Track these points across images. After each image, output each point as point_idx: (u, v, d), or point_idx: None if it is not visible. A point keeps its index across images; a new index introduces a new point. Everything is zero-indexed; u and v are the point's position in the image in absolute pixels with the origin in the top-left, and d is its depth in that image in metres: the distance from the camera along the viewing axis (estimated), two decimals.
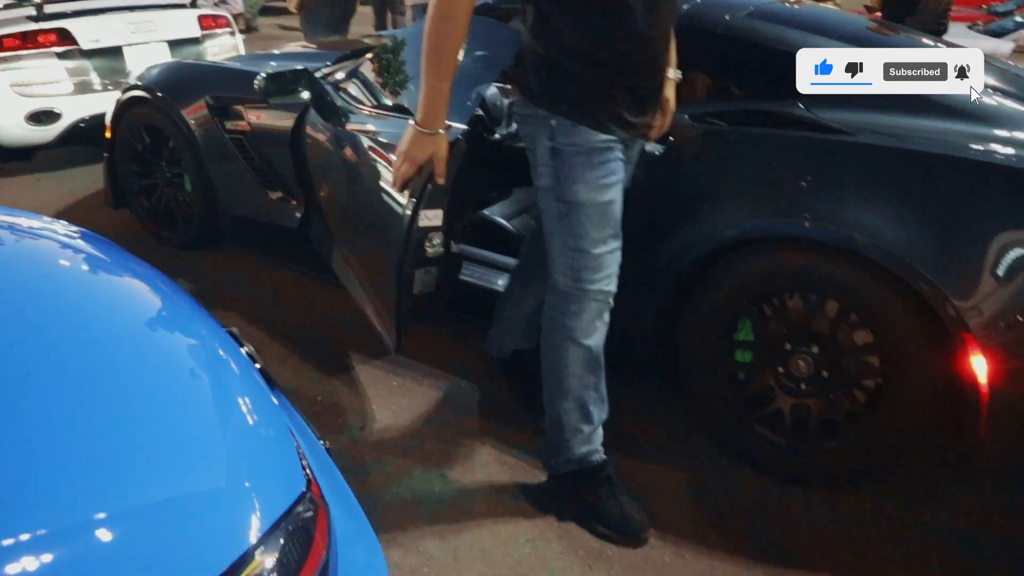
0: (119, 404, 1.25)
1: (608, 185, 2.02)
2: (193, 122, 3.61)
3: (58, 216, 4.56)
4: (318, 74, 3.12)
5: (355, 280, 2.88)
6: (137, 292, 1.79)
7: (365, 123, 2.78)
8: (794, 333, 2.34)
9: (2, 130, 5.10)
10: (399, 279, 2.41)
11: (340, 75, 3.18)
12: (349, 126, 2.83)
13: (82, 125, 5.21)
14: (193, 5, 5.77)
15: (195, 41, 5.68)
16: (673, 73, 2.24)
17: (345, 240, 2.99)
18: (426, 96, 1.93)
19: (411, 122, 1.99)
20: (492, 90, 3.59)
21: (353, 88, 3.01)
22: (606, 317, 2.14)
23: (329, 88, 2.99)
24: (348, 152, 2.84)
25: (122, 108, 3.95)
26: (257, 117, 3.41)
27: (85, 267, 1.93)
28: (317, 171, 3.18)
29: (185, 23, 5.64)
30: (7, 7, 5.05)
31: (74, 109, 5.14)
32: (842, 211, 2.15)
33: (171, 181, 3.89)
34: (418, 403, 2.86)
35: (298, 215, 3.38)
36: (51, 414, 1.19)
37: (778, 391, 2.40)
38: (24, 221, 1.98)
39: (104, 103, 4.58)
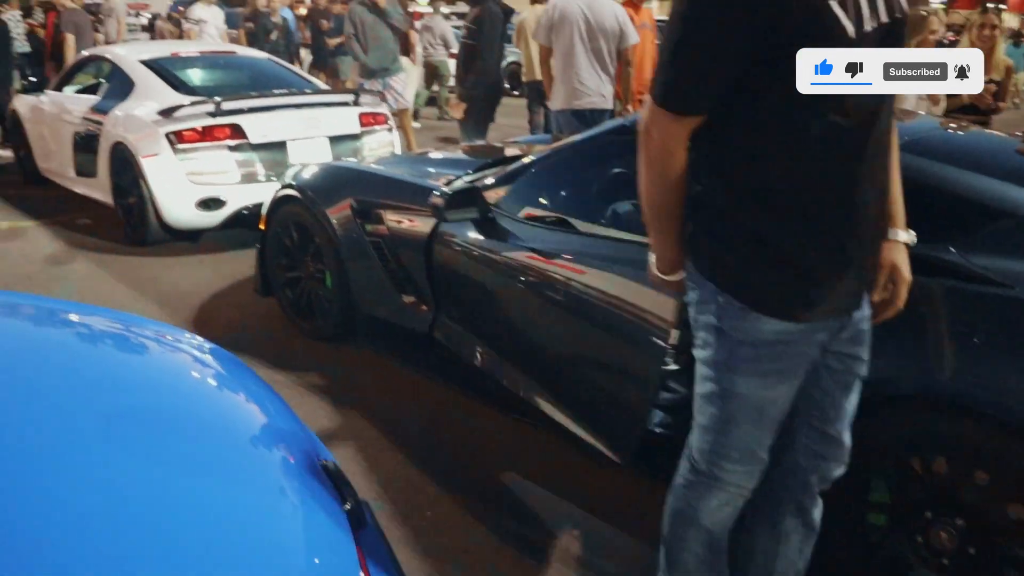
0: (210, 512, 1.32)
1: (777, 382, 1.68)
2: (336, 222, 3.75)
3: (214, 297, 4.93)
4: (460, 182, 3.22)
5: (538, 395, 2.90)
6: (248, 414, 1.82)
7: (553, 242, 2.82)
8: (936, 500, 2.11)
9: (174, 214, 5.50)
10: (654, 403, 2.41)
11: (488, 181, 3.25)
12: (522, 244, 2.88)
13: (245, 212, 5.54)
14: (356, 103, 6.09)
15: (354, 137, 5.98)
16: (905, 235, 1.82)
17: (521, 356, 3.00)
18: (656, 247, 1.81)
19: (651, 261, 1.85)
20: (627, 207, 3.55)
21: (512, 199, 3.10)
22: (739, 504, 1.85)
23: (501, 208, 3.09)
24: (529, 270, 2.87)
25: (275, 204, 4.17)
26: (395, 222, 3.51)
27: (210, 382, 2.00)
28: (466, 282, 3.25)
29: (346, 120, 5.96)
30: (194, 104, 5.48)
31: (239, 197, 5.49)
32: (998, 374, 1.94)
33: (314, 276, 4.04)
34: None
35: (428, 320, 3.42)
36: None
37: (914, 562, 2.16)
38: (167, 334, 2.08)
39: (265, 193, 4.86)
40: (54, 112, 6.94)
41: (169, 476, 1.36)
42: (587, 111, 5.57)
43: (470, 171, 3.65)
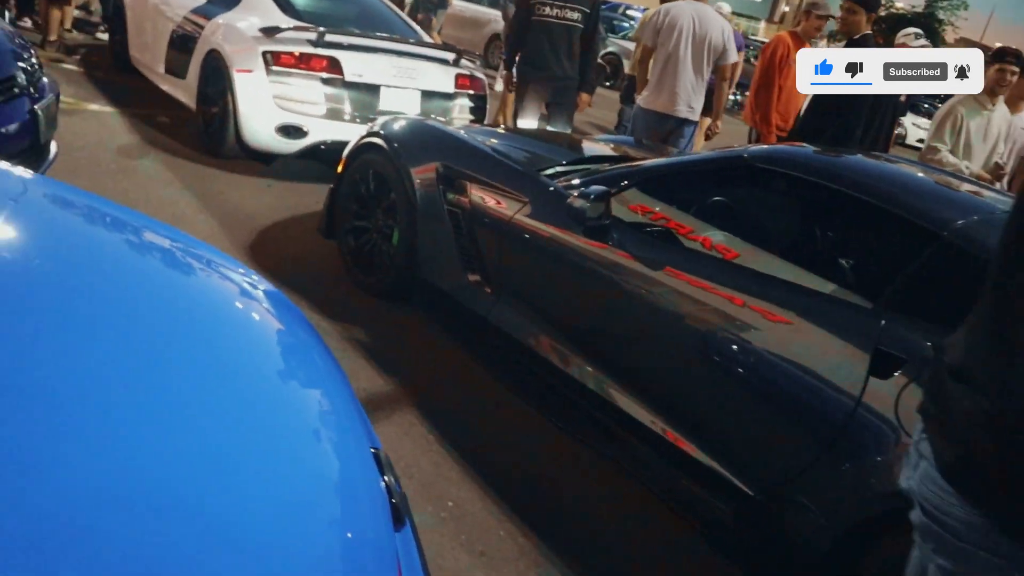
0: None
1: None
2: (418, 182, 3.65)
3: (274, 225, 4.87)
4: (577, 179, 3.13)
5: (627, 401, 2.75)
6: (306, 391, 1.70)
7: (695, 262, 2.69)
8: None
9: (254, 134, 5.43)
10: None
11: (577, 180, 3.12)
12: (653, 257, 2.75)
13: (323, 147, 5.47)
14: (456, 63, 5.97)
15: (447, 96, 5.87)
16: None
17: (625, 373, 2.83)
18: None
19: None
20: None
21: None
22: None
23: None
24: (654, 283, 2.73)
25: (358, 149, 4.08)
26: (479, 197, 3.39)
27: (255, 317, 1.89)
28: (549, 278, 3.15)
29: (443, 78, 5.84)
30: (296, 28, 5.40)
31: (320, 130, 5.40)
32: None
33: (382, 230, 3.95)
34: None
35: (488, 305, 3.31)
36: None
37: None
38: (227, 267, 1.99)
39: (348, 132, 4.78)
40: (157, 5, 6.90)
41: (215, 450, 1.24)
42: (672, 118, 5.53)
43: (563, 162, 3.52)
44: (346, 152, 4.19)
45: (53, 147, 4.54)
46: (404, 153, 3.76)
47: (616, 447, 2.82)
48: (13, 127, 3.84)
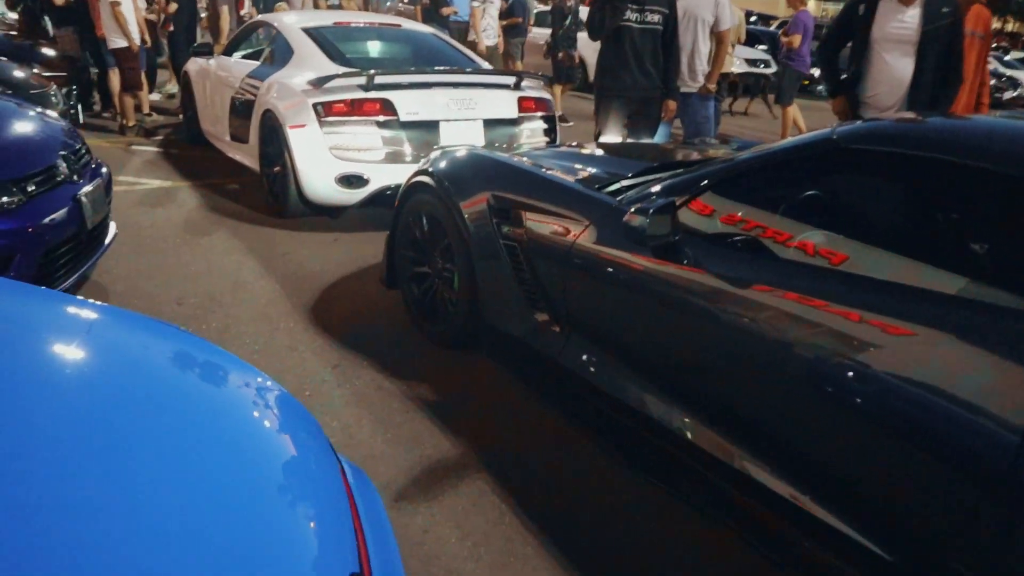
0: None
1: None
2: (469, 218, 3.28)
3: (340, 281, 4.60)
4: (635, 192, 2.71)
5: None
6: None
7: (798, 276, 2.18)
8: None
9: (314, 188, 5.22)
10: None
11: (658, 188, 2.68)
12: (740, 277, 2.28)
13: (388, 193, 5.19)
14: (517, 87, 5.62)
15: (511, 123, 5.53)
16: None
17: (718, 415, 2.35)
18: None
19: None
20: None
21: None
22: None
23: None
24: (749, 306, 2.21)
25: (408, 191, 3.76)
26: (535, 225, 2.99)
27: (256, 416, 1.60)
28: (619, 308, 2.72)
29: (505, 104, 5.50)
30: (345, 75, 5.18)
31: (382, 176, 5.14)
32: None
33: (443, 275, 3.60)
34: None
35: (559, 346, 2.89)
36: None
37: None
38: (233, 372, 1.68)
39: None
40: (218, 75, 6.87)
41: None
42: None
43: (628, 175, 3.09)
44: (398, 195, 3.87)
45: (112, 229, 4.42)
46: (452, 188, 3.41)
47: (720, 506, 2.33)
48: (57, 216, 3.70)
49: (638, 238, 2.35)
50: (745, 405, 2.25)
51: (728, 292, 2.26)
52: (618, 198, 2.82)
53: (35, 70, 7.61)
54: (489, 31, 10.13)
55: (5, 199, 3.48)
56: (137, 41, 8.43)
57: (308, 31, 5.99)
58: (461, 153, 3.63)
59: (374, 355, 3.58)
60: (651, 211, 2.31)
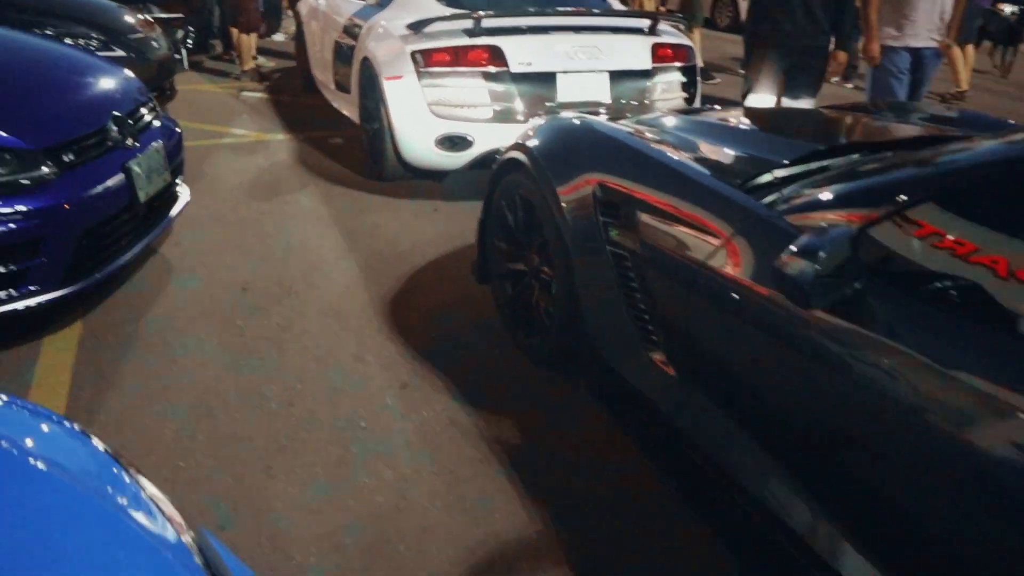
0: None
1: None
2: (569, 209, 2.53)
3: (431, 264, 3.96)
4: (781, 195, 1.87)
5: None
6: None
7: None
8: None
9: (411, 149, 4.57)
10: None
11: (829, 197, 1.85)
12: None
13: (497, 156, 4.48)
14: (652, 32, 4.74)
15: (643, 75, 4.66)
16: None
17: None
18: None
19: None
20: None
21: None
22: None
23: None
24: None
25: (501, 168, 3.03)
26: (653, 231, 2.21)
27: None
28: (763, 362, 1.91)
29: (635, 52, 4.64)
30: (448, 18, 4.46)
31: (489, 137, 4.42)
32: None
33: (539, 275, 2.88)
34: None
35: (673, 397, 2.13)
36: None
37: None
38: None
39: None
40: (326, 15, 6.28)
41: None
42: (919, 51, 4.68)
43: (785, 162, 2.24)
44: (492, 173, 3.16)
45: (183, 195, 3.92)
46: (549, 169, 2.66)
47: None
48: (100, 189, 3.20)
49: (800, 295, 1.54)
50: (961, 537, 1.44)
51: (942, 388, 1.43)
52: (768, 199, 2.00)
53: (147, 14, 7.27)
54: None
55: (33, 172, 2.98)
56: None
57: None
58: (561, 123, 2.85)
59: (452, 373, 2.92)
60: (821, 252, 1.50)
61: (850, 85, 8.47)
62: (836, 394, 1.65)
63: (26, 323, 3.10)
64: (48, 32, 5.42)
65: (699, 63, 4.96)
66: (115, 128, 3.38)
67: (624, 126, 2.71)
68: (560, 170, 2.61)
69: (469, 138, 4.43)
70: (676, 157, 2.34)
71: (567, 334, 2.69)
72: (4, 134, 2.97)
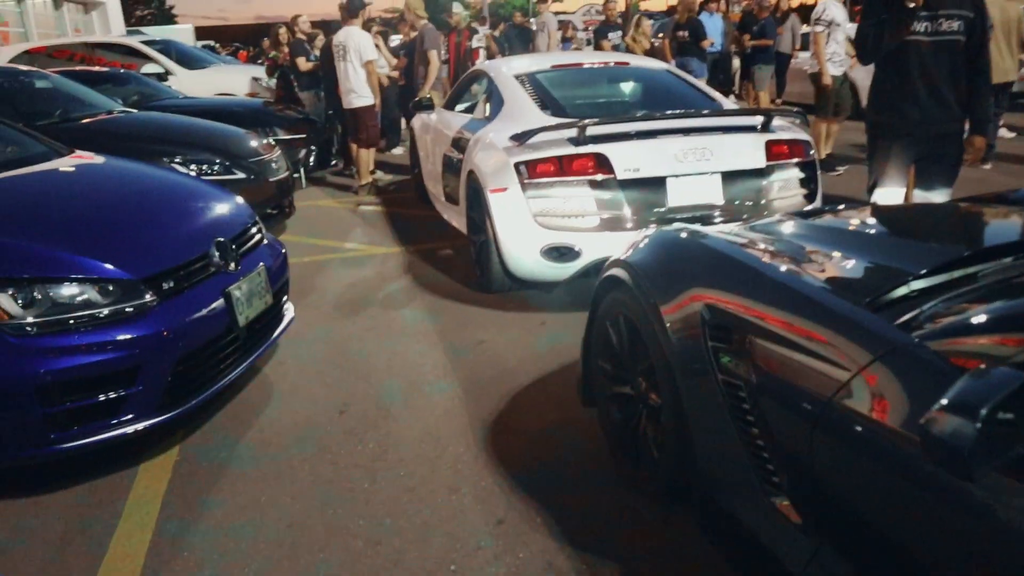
0: None
1: None
2: (673, 330, 2.29)
3: (535, 383, 3.76)
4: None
5: None
6: None
7: None
8: None
9: (517, 261, 4.44)
10: None
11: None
12: None
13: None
14: (765, 128, 4.51)
15: (758, 174, 4.42)
16: None
17: None
18: None
19: None
20: None
21: None
22: None
23: None
24: None
25: (602, 286, 2.83)
26: (770, 360, 1.94)
27: None
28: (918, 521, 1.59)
29: (749, 150, 4.41)
30: (551, 128, 4.37)
31: (596, 247, 4.24)
32: None
33: (647, 401, 2.62)
34: None
35: (803, 559, 1.81)
36: None
37: None
38: None
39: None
40: (436, 129, 6.38)
41: None
42: None
43: (921, 274, 1.94)
44: (594, 289, 2.95)
45: (288, 314, 3.91)
46: (651, 286, 2.43)
47: None
48: (198, 316, 3.18)
49: (957, 462, 1.23)
50: None
51: None
52: (905, 317, 1.71)
53: (272, 136, 7.61)
54: (836, 59, 8.10)
55: (134, 302, 2.98)
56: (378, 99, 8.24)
57: (520, 77, 5.27)
58: (668, 235, 2.63)
59: (552, 507, 2.66)
60: (983, 409, 1.20)
61: (987, 166, 7.80)
62: (1008, 569, 1.32)
63: (126, 447, 3.06)
64: (176, 160, 5.68)
65: (818, 156, 4.66)
66: (217, 254, 3.39)
67: (734, 236, 2.46)
68: (664, 287, 2.38)
69: (576, 248, 4.27)
70: (793, 272, 2.08)
71: (678, 469, 2.41)
72: (109, 266, 3.00)
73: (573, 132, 4.29)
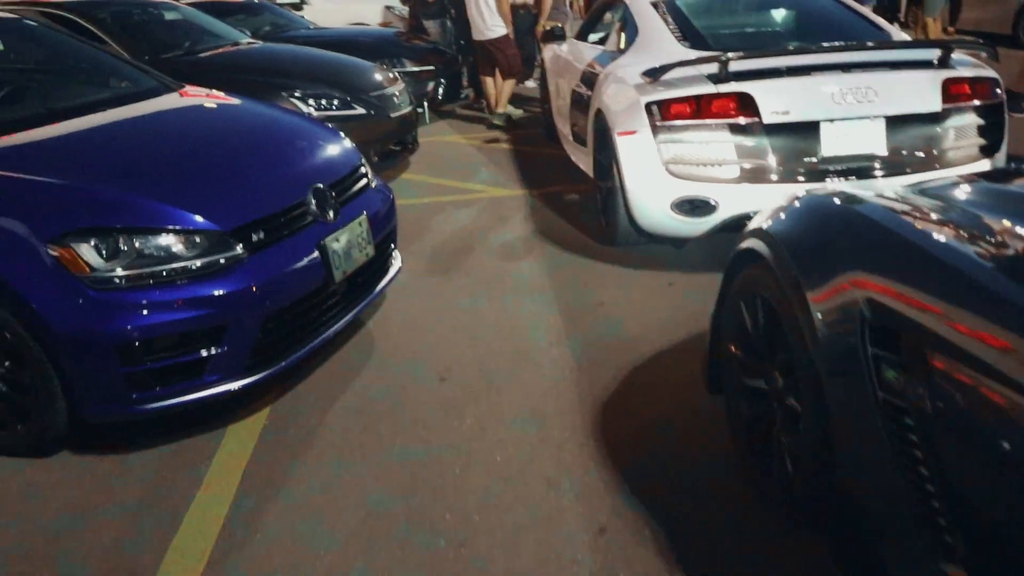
0: None
1: None
2: (820, 322, 1.84)
3: (660, 357, 3.36)
4: None
5: None
6: None
7: None
8: None
9: (645, 213, 4.00)
10: None
11: None
12: None
13: (746, 222, 3.81)
14: (943, 63, 3.84)
15: (930, 119, 3.77)
16: None
17: None
18: None
19: None
20: None
21: None
22: None
23: None
24: None
25: (736, 259, 2.38)
26: (953, 381, 1.48)
27: None
28: None
29: (921, 90, 3.76)
30: (689, 63, 3.86)
31: (735, 201, 3.76)
32: None
33: (782, 401, 2.19)
34: None
35: None
36: None
37: None
38: None
39: (778, 197, 3.08)
40: (566, 62, 5.92)
41: None
42: None
43: None
44: (729, 261, 2.51)
45: (394, 265, 3.65)
46: (797, 265, 1.98)
47: None
48: (290, 270, 2.94)
49: None
50: None
51: None
52: None
53: (399, 68, 7.34)
54: None
55: (219, 255, 2.76)
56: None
57: (657, 3, 4.72)
58: (820, 201, 2.15)
59: (663, 515, 2.30)
60: None
61: None
62: None
63: (217, 405, 2.88)
64: (295, 95, 5.48)
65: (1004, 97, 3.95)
66: (314, 202, 3.13)
67: (905, 205, 1.95)
68: (813, 268, 1.93)
69: (712, 201, 3.79)
70: (995, 261, 1.59)
71: (814, 492, 1.98)
72: (198, 217, 2.79)
73: (714, 67, 3.77)
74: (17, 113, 3.55)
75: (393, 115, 5.99)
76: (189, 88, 4.12)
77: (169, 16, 6.72)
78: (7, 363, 2.76)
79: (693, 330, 3.42)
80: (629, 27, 4.89)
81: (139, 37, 6.07)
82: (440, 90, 8.33)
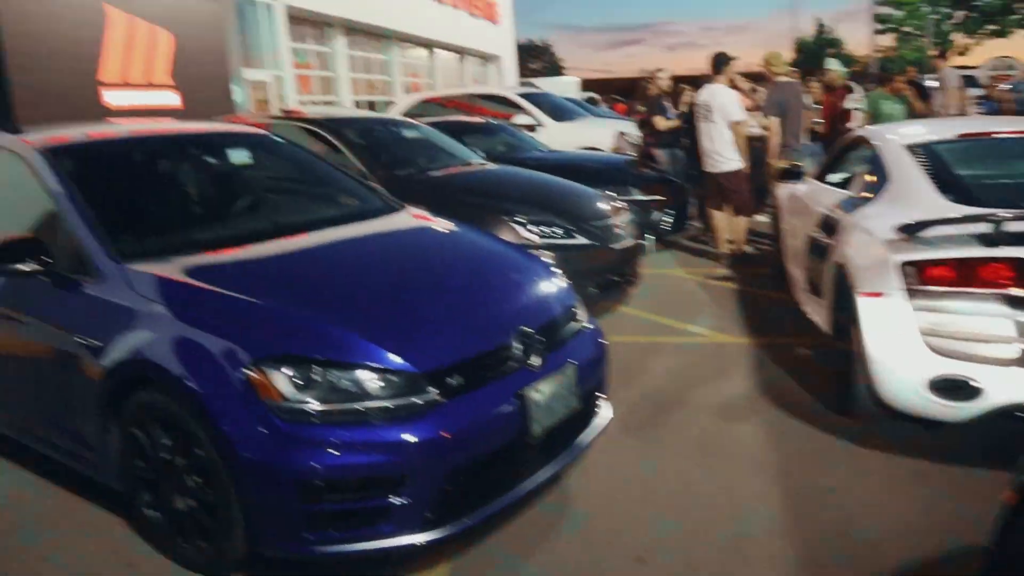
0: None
1: None
2: None
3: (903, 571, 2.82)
4: None
5: None
6: None
7: None
8: None
9: (891, 388, 3.45)
10: None
11: None
12: None
13: (1019, 414, 3.21)
14: None
15: None
16: None
17: None
18: None
19: None
20: None
21: None
22: None
23: None
24: None
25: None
26: None
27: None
28: None
29: None
30: (956, 221, 3.37)
31: (1007, 386, 3.17)
32: None
33: None
34: None
35: None
36: None
37: None
38: None
39: None
40: (803, 204, 5.51)
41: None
42: None
43: None
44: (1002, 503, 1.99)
45: (603, 417, 3.37)
46: None
47: None
48: (485, 419, 2.74)
49: None
50: None
51: None
52: None
53: (626, 196, 7.17)
54: None
55: (409, 400, 2.61)
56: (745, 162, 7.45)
57: (914, 148, 4.25)
58: None
59: None
60: None
61: None
62: None
63: (395, 555, 2.68)
64: (516, 219, 5.42)
65: None
66: (520, 347, 2.92)
67: None
68: None
69: (976, 384, 3.20)
70: None
71: None
72: (394, 357, 2.65)
73: (985, 227, 3.25)
74: (246, 227, 3.70)
75: (615, 246, 5.80)
76: (410, 208, 4.13)
77: (408, 134, 7.02)
78: (198, 479, 2.72)
79: (947, 542, 2.82)
80: (878, 172, 4.44)
81: (378, 153, 6.34)
82: (667, 221, 8.10)
